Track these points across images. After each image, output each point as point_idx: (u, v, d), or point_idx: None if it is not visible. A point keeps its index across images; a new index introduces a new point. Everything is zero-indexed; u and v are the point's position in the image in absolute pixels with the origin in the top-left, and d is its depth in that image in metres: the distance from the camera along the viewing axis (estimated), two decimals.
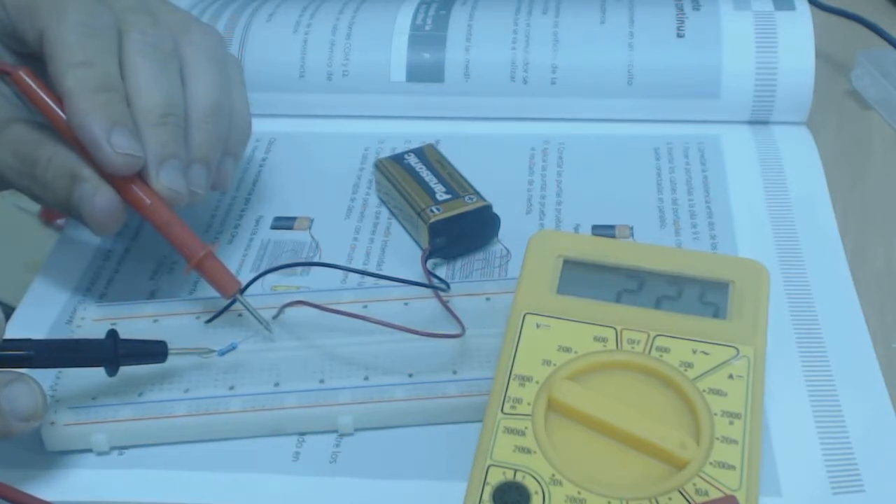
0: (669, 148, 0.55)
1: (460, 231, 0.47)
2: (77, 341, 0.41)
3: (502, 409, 0.36)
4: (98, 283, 0.48)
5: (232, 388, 0.41)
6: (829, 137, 0.55)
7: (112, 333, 0.40)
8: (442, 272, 0.47)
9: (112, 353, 0.39)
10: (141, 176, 0.42)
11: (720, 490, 0.33)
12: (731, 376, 0.36)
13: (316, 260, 0.49)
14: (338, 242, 0.50)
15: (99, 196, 0.42)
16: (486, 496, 0.33)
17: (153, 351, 0.40)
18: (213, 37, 0.47)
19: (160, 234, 0.43)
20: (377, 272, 0.47)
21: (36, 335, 0.39)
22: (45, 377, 0.42)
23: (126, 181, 0.42)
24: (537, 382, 0.36)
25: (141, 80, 0.43)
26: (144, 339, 0.41)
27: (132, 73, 0.43)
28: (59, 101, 0.42)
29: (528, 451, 0.34)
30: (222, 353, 0.42)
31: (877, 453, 0.39)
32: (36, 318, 0.46)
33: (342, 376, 0.41)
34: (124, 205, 0.42)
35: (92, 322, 0.44)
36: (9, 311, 0.46)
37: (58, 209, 0.43)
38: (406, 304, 0.44)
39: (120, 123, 0.41)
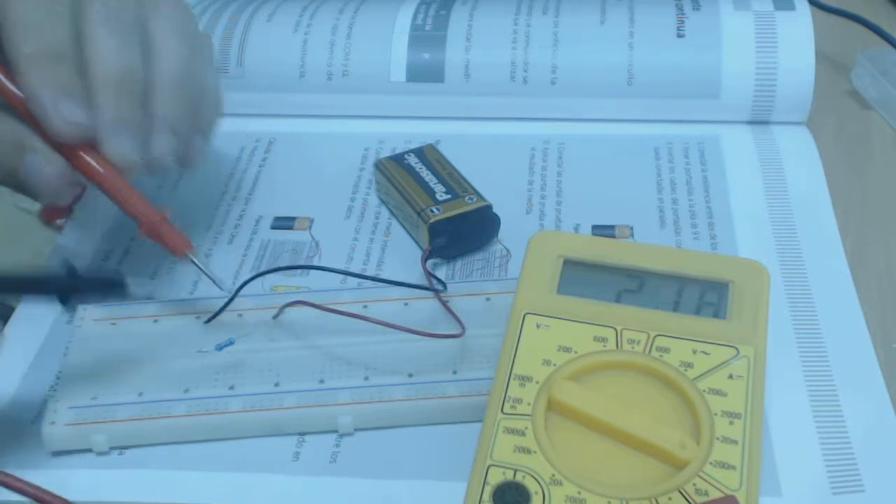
0: (669, 148, 0.55)
1: (460, 231, 0.47)
2: (33, 272, 0.42)
3: (502, 409, 0.36)
4: None
5: (232, 387, 0.41)
6: (829, 137, 0.55)
7: (70, 267, 0.40)
8: (442, 272, 0.47)
9: (68, 284, 0.39)
10: (93, 145, 0.42)
11: (720, 490, 0.33)
12: (731, 376, 0.36)
13: (316, 260, 0.48)
14: (338, 242, 0.50)
15: (49, 166, 0.41)
16: (486, 496, 0.33)
17: (110, 281, 0.41)
18: (183, 12, 0.46)
19: (114, 202, 0.43)
20: (375, 275, 0.47)
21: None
22: (44, 377, 0.42)
23: (77, 149, 0.42)
24: (537, 382, 0.36)
25: (100, 48, 0.42)
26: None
27: (90, 43, 0.42)
28: (9, 72, 0.41)
29: (528, 451, 0.34)
30: (220, 349, 0.42)
31: (877, 453, 0.39)
32: (36, 318, 0.46)
33: (342, 376, 0.41)
34: (74, 173, 0.42)
35: (92, 322, 0.44)
36: (9, 311, 0.46)
37: (7, 184, 0.42)
38: (406, 304, 0.44)
39: (69, 91, 0.41)
